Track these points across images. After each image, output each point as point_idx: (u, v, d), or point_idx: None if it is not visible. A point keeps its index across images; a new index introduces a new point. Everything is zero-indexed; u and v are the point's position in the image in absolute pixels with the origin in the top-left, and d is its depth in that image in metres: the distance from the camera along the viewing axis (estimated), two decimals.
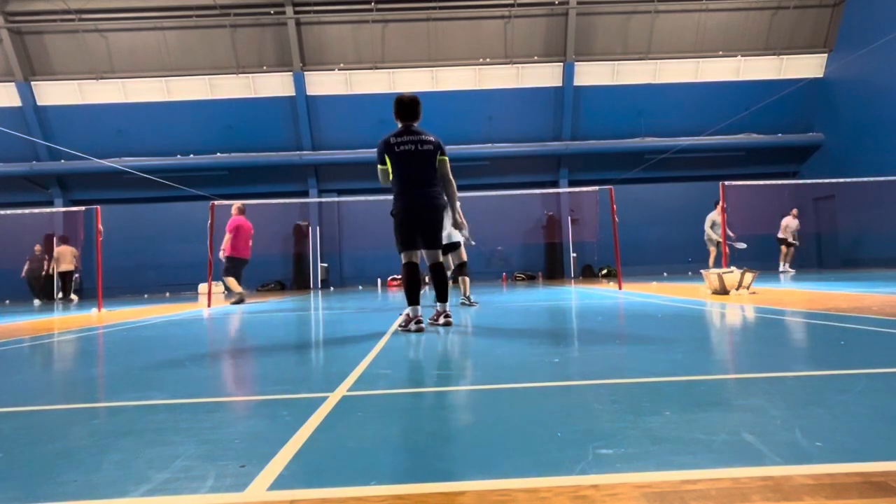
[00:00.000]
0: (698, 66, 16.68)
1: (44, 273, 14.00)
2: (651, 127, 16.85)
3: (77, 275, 15.50)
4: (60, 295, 13.93)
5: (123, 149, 16.47)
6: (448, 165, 4.28)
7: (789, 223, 12.91)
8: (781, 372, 2.05)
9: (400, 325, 4.13)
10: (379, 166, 4.19)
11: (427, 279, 8.98)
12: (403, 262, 4.21)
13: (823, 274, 11.97)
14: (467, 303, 6.55)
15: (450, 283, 6.26)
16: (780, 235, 12.94)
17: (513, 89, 16.83)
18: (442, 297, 4.28)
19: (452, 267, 6.83)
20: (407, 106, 4.21)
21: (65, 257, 13.92)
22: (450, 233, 6.38)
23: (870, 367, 2.05)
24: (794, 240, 12.95)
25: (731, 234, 10.30)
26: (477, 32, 16.40)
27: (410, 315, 4.00)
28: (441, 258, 4.30)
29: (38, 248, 14.17)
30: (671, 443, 1.28)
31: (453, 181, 4.32)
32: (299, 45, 16.16)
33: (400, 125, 4.23)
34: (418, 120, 4.27)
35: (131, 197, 17.18)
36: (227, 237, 9.00)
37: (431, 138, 4.19)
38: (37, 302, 13.30)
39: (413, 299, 4.06)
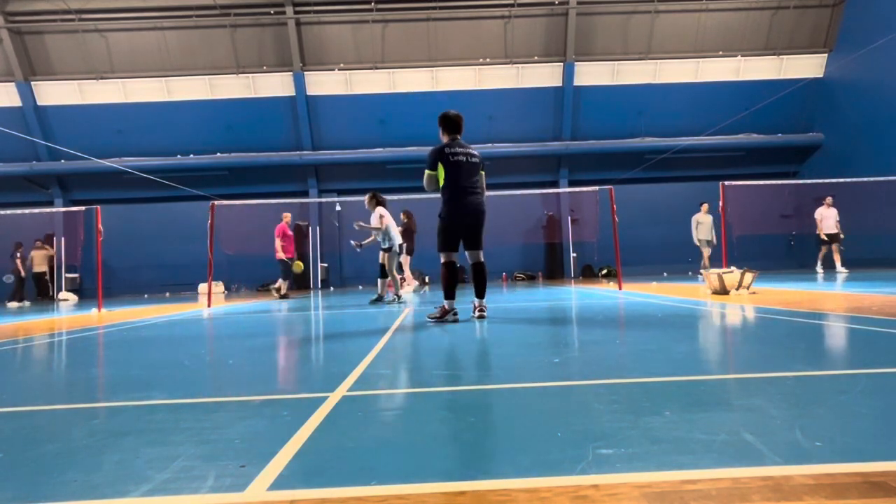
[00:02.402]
0: (698, 66, 16.68)
1: (22, 275, 13.86)
2: (651, 127, 16.86)
3: (76, 275, 15.50)
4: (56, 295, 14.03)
5: (123, 149, 16.48)
6: (484, 179, 4.77)
7: (824, 213, 11.68)
8: (781, 372, 2.04)
9: (431, 317, 4.47)
10: (428, 171, 4.58)
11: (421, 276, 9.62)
12: (444, 261, 4.60)
13: (823, 274, 11.95)
14: (397, 300, 7.72)
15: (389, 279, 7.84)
16: (829, 231, 11.62)
17: (513, 89, 16.84)
18: (480, 293, 4.70)
19: (391, 266, 7.95)
20: (453, 121, 4.67)
21: (38, 260, 14.05)
22: (393, 236, 7.72)
23: (870, 367, 2.05)
24: (837, 230, 11.64)
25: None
26: (477, 32, 16.40)
27: (447, 308, 4.44)
28: (482, 258, 4.71)
29: (21, 249, 13.86)
30: (671, 443, 1.28)
31: (485, 193, 4.82)
32: (299, 45, 16.16)
33: (446, 139, 4.66)
34: (461, 133, 4.70)
35: (131, 197, 17.18)
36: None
37: (477, 153, 4.68)
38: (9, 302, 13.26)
39: (450, 295, 4.51)
